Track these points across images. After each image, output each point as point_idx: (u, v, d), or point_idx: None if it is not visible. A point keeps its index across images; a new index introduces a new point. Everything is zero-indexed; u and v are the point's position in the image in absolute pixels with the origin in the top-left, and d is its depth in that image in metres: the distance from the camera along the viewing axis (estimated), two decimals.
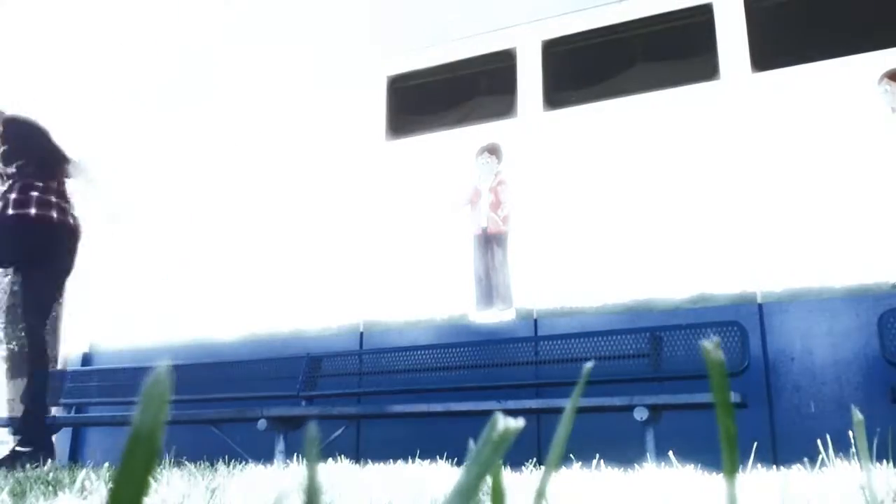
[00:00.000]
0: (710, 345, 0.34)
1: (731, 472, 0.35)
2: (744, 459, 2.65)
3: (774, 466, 2.97)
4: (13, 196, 4.55)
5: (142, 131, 8.14)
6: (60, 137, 4.81)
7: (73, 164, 4.75)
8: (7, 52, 7.26)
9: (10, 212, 4.52)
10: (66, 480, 2.05)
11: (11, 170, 4.62)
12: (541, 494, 0.34)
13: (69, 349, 8.17)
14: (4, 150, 4.66)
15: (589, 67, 6.64)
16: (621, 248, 5.92)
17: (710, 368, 0.34)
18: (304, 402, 6.07)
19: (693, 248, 5.69)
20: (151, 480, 0.28)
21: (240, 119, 7.80)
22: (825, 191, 5.42)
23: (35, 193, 4.57)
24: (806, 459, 2.40)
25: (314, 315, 6.87)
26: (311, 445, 0.29)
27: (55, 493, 1.74)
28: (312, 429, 0.29)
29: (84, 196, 4.86)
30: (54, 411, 7.55)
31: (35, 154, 4.69)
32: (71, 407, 7.27)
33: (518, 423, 0.31)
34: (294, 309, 6.95)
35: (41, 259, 4.60)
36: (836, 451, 1.79)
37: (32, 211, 4.56)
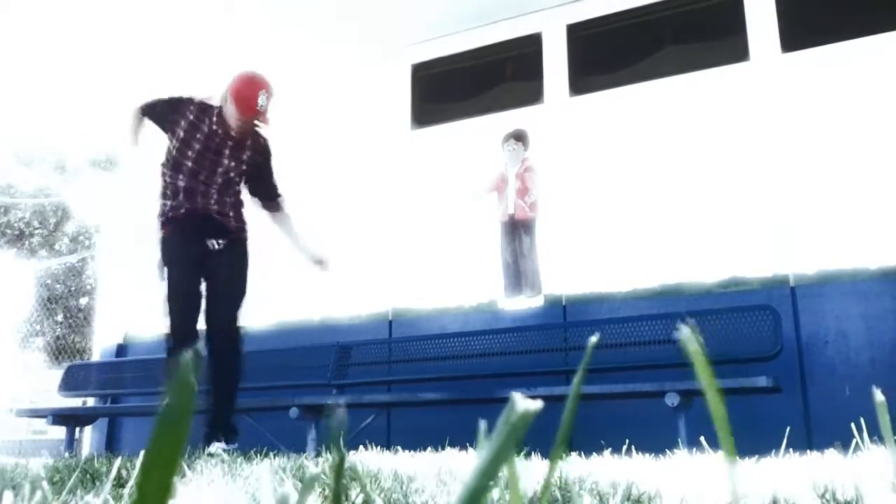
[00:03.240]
0: (685, 333, 0.34)
1: (730, 455, 0.35)
2: (777, 443, 2.62)
3: (808, 451, 2.94)
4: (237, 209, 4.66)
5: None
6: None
7: (281, 199, 4.84)
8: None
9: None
10: (103, 470, 2.09)
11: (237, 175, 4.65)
12: (547, 485, 0.34)
13: (104, 340, 8.31)
14: (257, 162, 4.71)
15: (615, 51, 6.58)
16: (650, 232, 5.87)
17: (691, 356, 0.34)
18: (334, 391, 6.12)
19: (724, 231, 5.63)
20: (180, 465, 0.29)
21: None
22: (857, 172, 5.32)
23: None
24: (840, 443, 2.37)
25: (343, 304, 6.91)
26: (336, 431, 0.30)
27: (93, 483, 1.77)
28: (336, 416, 0.30)
29: (282, 234, 4.94)
30: (91, 402, 7.70)
31: (263, 179, 4.78)
32: (106, 398, 7.40)
33: (536, 404, 0.31)
34: (323, 298, 6.99)
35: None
36: (871, 436, 1.77)
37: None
